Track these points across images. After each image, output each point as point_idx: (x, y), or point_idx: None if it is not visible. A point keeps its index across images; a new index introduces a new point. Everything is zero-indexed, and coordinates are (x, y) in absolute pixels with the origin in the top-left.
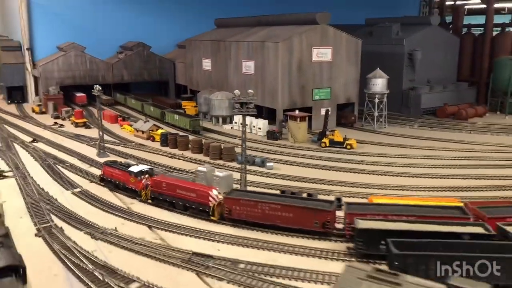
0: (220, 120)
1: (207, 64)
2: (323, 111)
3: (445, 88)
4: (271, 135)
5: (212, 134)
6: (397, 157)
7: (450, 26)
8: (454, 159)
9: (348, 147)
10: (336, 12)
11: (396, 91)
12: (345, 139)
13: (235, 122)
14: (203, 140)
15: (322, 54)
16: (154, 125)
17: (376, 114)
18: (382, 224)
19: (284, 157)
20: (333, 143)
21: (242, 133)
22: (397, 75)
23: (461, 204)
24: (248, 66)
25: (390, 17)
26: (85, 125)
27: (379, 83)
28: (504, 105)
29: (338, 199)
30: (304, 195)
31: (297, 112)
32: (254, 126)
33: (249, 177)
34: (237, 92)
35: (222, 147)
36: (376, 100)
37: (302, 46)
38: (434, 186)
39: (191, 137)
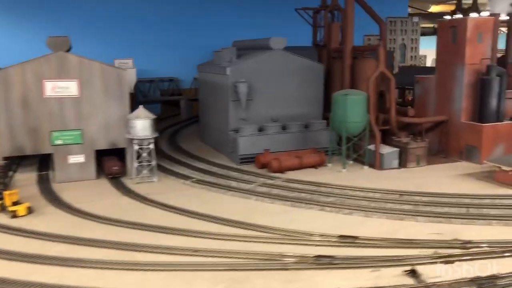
0: None
1: None
2: (71, 159)
3: (284, 128)
4: None
5: None
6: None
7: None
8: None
9: (11, 215)
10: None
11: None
12: (16, 203)
13: None
14: None
15: (61, 88)
16: None
17: (135, 164)
18: None
19: None
20: (3, 208)
21: None
22: (225, 112)
23: None
24: None
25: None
26: None
27: (138, 126)
28: (357, 150)
29: None
30: None
31: None
32: None
33: None
34: None
35: None
36: (136, 147)
37: (26, 78)
38: None
39: None
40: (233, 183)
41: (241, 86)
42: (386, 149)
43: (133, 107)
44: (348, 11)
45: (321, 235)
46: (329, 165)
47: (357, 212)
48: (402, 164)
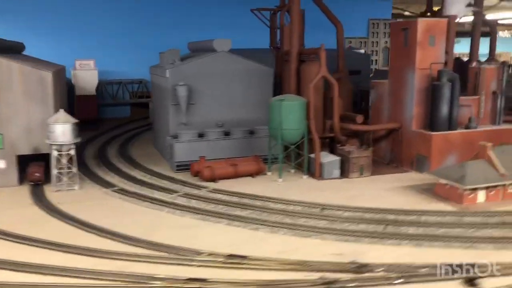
0: None
1: None
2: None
3: (227, 134)
4: None
5: None
6: None
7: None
8: None
9: None
10: None
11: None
12: None
13: None
14: None
15: None
16: None
17: (54, 171)
18: None
19: None
20: None
21: None
22: (167, 116)
23: None
24: None
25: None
26: None
27: (57, 130)
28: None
29: None
30: None
31: None
32: None
33: None
34: None
35: None
36: (55, 153)
37: None
38: None
39: None
40: (156, 193)
41: (180, 89)
42: (327, 158)
43: (97, 110)
44: (293, 10)
45: (210, 254)
46: (269, 173)
47: (264, 227)
48: (344, 174)
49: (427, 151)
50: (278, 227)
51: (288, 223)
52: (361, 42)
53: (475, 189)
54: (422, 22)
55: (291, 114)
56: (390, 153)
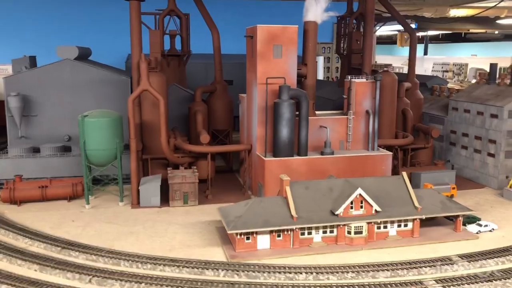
0: None
1: None
2: None
3: (68, 150)
4: None
5: None
6: None
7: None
8: None
9: None
10: None
11: None
12: None
13: None
14: None
15: None
16: None
17: None
18: None
19: None
20: None
21: None
22: None
23: None
24: None
25: None
26: None
27: None
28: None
29: None
30: None
31: None
32: None
33: None
34: None
35: None
36: None
37: None
38: None
39: None
40: None
41: (11, 100)
42: (145, 184)
43: None
44: (132, 16)
45: None
46: (91, 197)
47: None
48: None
49: (262, 178)
50: None
51: None
52: (324, 48)
53: (252, 233)
54: (262, 29)
55: (96, 132)
56: (246, 177)
